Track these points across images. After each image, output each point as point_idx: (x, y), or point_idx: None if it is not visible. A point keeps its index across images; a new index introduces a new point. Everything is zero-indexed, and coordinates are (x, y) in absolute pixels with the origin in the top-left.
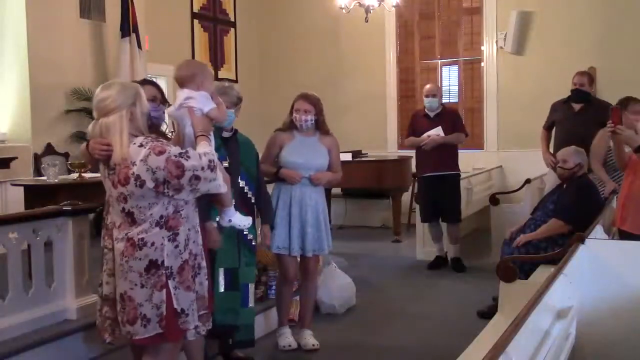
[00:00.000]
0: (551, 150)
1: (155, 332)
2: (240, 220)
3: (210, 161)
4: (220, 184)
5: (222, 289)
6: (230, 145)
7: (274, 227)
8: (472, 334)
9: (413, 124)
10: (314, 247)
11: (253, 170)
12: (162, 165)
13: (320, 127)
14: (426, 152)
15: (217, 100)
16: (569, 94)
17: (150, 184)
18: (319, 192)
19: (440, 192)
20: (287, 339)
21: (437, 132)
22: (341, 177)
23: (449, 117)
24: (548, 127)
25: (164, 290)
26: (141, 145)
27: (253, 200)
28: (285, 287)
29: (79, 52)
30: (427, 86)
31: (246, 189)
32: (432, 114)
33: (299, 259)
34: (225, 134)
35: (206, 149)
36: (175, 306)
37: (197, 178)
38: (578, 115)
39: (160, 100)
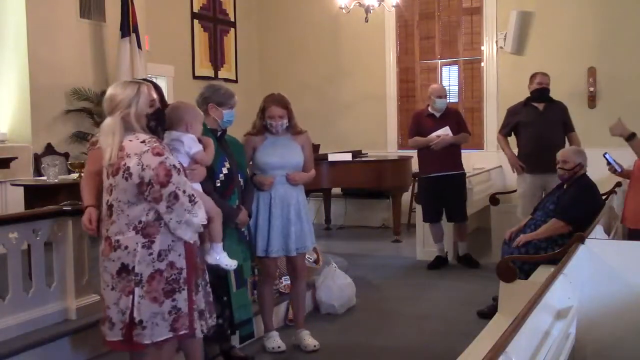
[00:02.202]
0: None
1: (117, 338)
2: (227, 261)
3: (192, 195)
4: (194, 222)
5: (234, 289)
6: (223, 145)
7: (255, 229)
8: (472, 334)
9: (417, 124)
10: (297, 246)
11: (245, 167)
12: (153, 165)
13: (291, 128)
14: (431, 152)
15: (206, 142)
16: (528, 95)
17: (135, 179)
18: (299, 189)
19: (445, 192)
20: (275, 341)
21: (445, 131)
22: (314, 176)
23: (453, 117)
24: (507, 133)
25: (131, 297)
26: (143, 142)
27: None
28: (266, 286)
29: (79, 52)
30: (437, 87)
31: (244, 187)
32: (437, 114)
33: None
34: (218, 134)
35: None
36: (135, 315)
37: (176, 197)
38: (544, 115)
39: (158, 101)
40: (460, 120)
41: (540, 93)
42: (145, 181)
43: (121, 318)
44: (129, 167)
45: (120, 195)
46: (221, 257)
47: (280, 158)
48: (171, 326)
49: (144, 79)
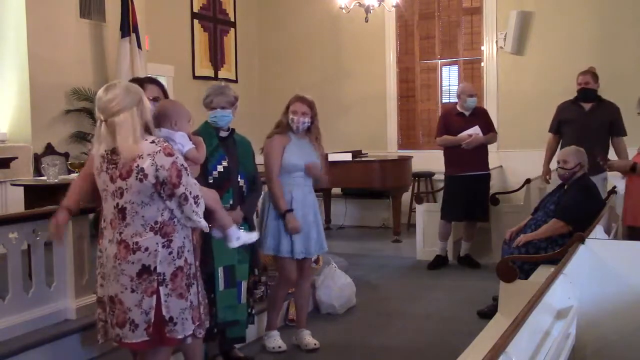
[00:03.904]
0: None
1: (141, 339)
2: (248, 237)
3: (196, 197)
4: (199, 221)
5: (221, 287)
6: (228, 144)
7: (266, 231)
8: (472, 334)
9: (446, 123)
10: (317, 248)
11: (251, 168)
12: (167, 166)
13: (313, 131)
14: (461, 151)
15: (196, 140)
16: (575, 94)
17: (151, 179)
18: (313, 193)
19: (473, 191)
20: (276, 341)
21: (475, 131)
22: (325, 180)
23: (482, 116)
24: (556, 130)
25: (154, 297)
26: (153, 142)
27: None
28: (283, 290)
29: (79, 52)
30: (467, 85)
31: (244, 188)
32: (467, 113)
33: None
34: (223, 134)
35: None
36: (164, 313)
37: (186, 199)
38: (590, 115)
39: (163, 98)
40: (488, 120)
41: (584, 93)
42: (159, 181)
43: (145, 319)
44: (143, 169)
45: (134, 197)
46: (242, 238)
47: (305, 161)
48: (192, 319)
49: (147, 77)
